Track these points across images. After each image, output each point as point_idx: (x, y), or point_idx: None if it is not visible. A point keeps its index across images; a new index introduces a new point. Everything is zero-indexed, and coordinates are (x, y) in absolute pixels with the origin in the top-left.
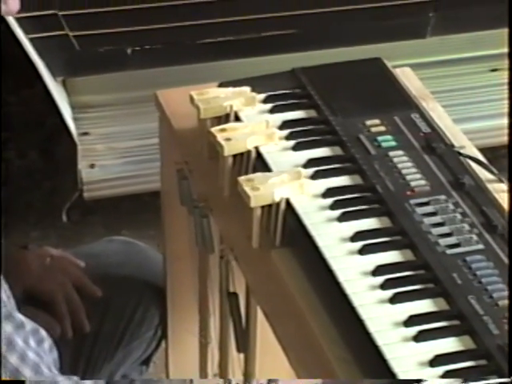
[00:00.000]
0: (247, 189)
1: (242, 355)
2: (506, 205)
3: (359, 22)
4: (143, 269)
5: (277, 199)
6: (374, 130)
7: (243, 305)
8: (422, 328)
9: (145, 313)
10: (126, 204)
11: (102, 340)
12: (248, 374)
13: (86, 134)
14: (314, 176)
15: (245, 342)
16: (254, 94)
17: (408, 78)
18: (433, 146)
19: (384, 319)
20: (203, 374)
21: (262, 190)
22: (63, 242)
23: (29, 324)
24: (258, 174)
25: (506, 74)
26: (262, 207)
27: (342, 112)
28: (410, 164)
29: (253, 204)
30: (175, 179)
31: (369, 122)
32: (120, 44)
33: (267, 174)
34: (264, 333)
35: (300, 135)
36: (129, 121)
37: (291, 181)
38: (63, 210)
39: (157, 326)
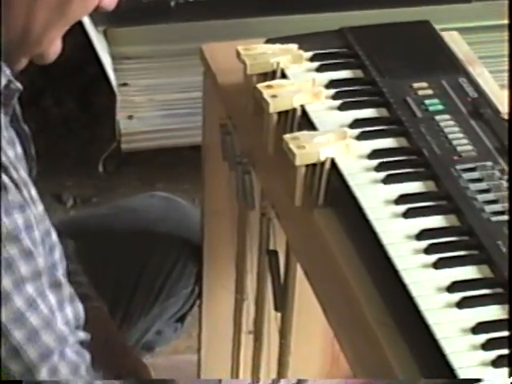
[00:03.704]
0: (293, 147)
1: (277, 313)
2: None
3: None
4: (183, 226)
5: (322, 158)
6: (421, 92)
7: (282, 263)
8: (466, 294)
9: (183, 270)
10: (162, 157)
11: (140, 294)
12: (284, 332)
13: (125, 84)
14: (360, 137)
15: (283, 300)
16: (301, 51)
17: (455, 42)
18: (480, 111)
19: (427, 284)
20: (237, 330)
21: (308, 149)
22: (98, 191)
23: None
24: (304, 133)
25: None
26: (307, 166)
27: (389, 73)
28: (456, 129)
29: (298, 162)
30: (217, 134)
31: (416, 85)
32: None
33: (313, 132)
34: (301, 292)
35: (346, 95)
36: (169, 73)
37: (337, 141)
38: (100, 161)
39: (194, 283)
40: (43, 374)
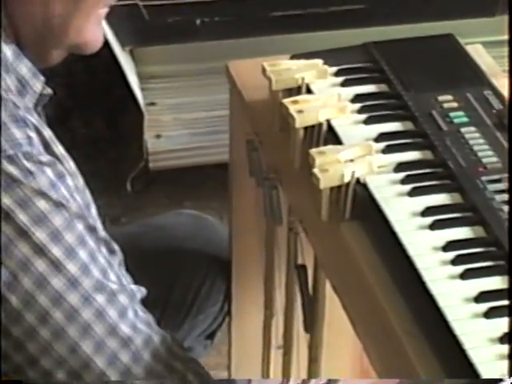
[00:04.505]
0: (317, 171)
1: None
2: None
3: None
4: (211, 243)
5: (346, 180)
6: (446, 105)
7: (311, 278)
8: (493, 305)
9: (211, 287)
10: (190, 175)
11: (169, 311)
12: (313, 346)
13: (152, 104)
14: (385, 150)
15: (311, 315)
16: (325, 66)
17: (479, 55)
18: (505, 122)
19: (454, 295)
20: (266, 345)
21: (332, 172)
22: (126, 211)
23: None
24: (330, 147)
25: None
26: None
27: (414, 87)
28: (481, 140)
29: (322, 186)
30: (244, 151)
31: (441, 98)
32: (189, 15)
33: (338, 146)
34: (330, 306)
35: (372, 109)
36: (196, 92)
37: (362, 154)
38: (128, 180)
39: (223, 300)
40: (125, 330)
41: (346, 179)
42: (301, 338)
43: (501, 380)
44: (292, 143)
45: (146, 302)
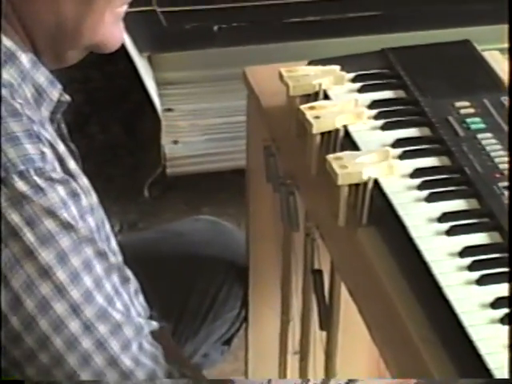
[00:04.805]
0: (335, 166)
1: (323, 333)
2: None
3: (446, 5)
4: (228, 249)
5: (365, 178)
6: (463, 111)
7: (327, 283)
8: (509, 310)
9: (229, 292)
10: (207, 181)
11: (187, 317)
12: (330, 352)
13: (169, 110)
14: (402, 156)
15: (328, 320)
16: (343, 72)
17: (497, 61)
18: None
19: (471, 300)
20: (283, 351)
21: (350, 169)
22: (144, 217)
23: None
24: (347, 153)
25: None
26: (349, 186)
27: (431, 93)
28: (498, 146)
29: (340, 182)
30: (261, 156)
31: (458, 104)
32: (206, 21)
33: (355, 152)
34: (346, 311)
35: (389, 115)
36: (213, 98)
37: (379, 160)
38: (145, 186)
39: (240, 306)
40: (127, 363)
41: (365, 177)
42: (317, 344)
43: None
44: (309, 149)
45: (162, 309)
